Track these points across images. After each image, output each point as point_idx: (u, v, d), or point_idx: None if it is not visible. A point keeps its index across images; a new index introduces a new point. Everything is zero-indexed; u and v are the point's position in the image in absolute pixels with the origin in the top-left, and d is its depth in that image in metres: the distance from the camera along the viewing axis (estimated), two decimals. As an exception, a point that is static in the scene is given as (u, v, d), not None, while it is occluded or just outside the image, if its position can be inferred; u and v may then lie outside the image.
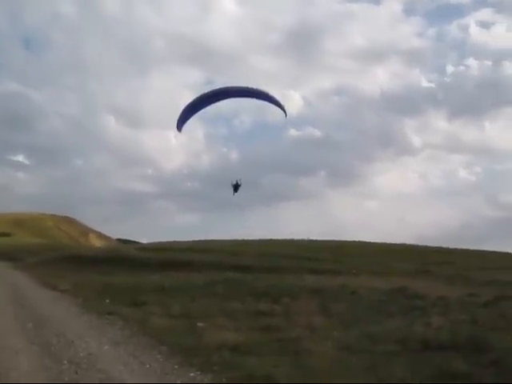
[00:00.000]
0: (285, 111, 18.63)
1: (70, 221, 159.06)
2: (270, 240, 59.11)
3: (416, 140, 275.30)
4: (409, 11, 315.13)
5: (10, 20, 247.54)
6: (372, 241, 61.07)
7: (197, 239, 64.04)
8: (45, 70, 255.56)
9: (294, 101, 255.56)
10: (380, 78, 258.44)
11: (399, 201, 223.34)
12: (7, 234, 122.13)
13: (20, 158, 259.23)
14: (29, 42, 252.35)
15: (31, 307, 16.92)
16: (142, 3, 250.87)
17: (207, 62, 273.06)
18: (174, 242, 62.18)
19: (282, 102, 18.54)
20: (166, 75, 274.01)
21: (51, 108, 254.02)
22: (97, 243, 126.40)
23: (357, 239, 61.70)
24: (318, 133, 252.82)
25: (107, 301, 18.03)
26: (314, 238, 61.31)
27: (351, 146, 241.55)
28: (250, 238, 61.79)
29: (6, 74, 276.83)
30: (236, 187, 20.07)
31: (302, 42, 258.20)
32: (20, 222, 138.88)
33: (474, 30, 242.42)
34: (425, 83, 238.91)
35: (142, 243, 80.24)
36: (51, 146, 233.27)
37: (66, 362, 8.90)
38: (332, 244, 53.72)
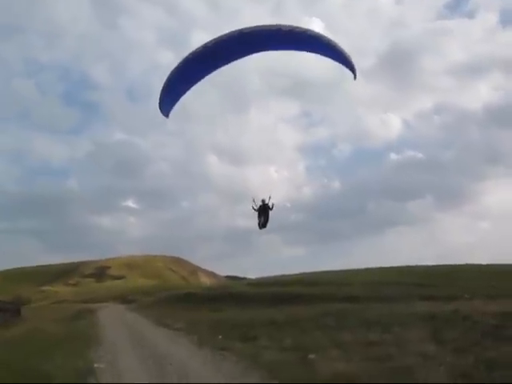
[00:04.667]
0: (354, 70, 13.36)
1: (179, 260, 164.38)
2: (379, 268, 57.98)
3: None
4: (504, 21, 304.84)
5: (114, 75, 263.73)
6: (486, 263, 58.23)
7: (304, 271, 64.09)
8: (148, 118, 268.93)
9: (393, 124, 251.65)
10: (481, 92, 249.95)
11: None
12: (121, 277, 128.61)
13: (130, 202, 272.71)
14: (132, 93, 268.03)
15: (150, 346, 17.86)
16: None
17: (303, 94, 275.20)
18: (282, 275, 62.55)
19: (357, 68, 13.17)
20: (264, 110, 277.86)
21: (157, 153, 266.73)
22: (206, 281, 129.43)
23: (470, 262, 59.11)
24: (419, 155, 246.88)
25: (220, 337, 18.59)
26: (426, 263, 59.54)
27: (457, 166, 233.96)
28: (358, 268, 60.97)
29: (114, 125, 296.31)
30: (264, 211, 16.18)
31: (396, 64, 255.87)
32: (132, 265, 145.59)
33: None
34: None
35: (250, 279, 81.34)
36: (158, 189, 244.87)
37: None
38: (443, 268, 51.74)
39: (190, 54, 12.73)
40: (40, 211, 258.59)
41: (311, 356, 12.88)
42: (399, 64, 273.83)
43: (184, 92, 13.61)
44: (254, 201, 16.17)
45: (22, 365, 12.23)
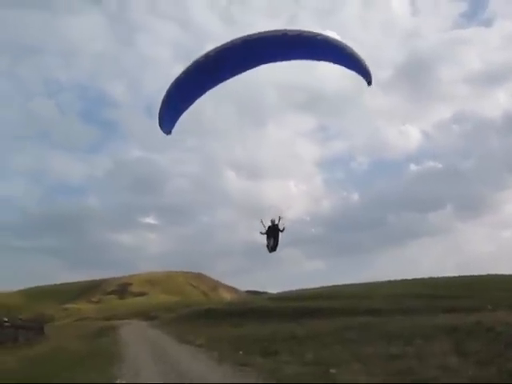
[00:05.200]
0: (369, 75, 12.02)
1: (199, 276, 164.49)
2: (401, 280, 57.47)
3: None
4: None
5: (132, 92, 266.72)
6: (509, 273, 57.32)
7: (325, 285, 63.80)
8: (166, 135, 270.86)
9: (411, 135, 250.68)
10: (500, 100, 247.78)
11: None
12: (143, 294, 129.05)
13: (150, 219, 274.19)
14: (149, 110, 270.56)
15: (172, 362, 17.92)
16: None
17: (319, 107, 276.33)
18: (303, 289, 62.26)
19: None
20: (281, 125, 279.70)
21: (175, 170, 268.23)
22: (227, 297, 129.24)
23: (492, 272, 58.28)
24: (439, 165, 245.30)
25: (240, 352, 18.61)
26: (448, 274, 58.89)
27: (478, 175, 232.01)
28: (380, 280, 60.52)
29: (132, 142, 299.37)
30: (273, 232, 14.73)
31: (413, 75, 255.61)
32: (153, 281, 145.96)
33: None
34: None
35: (270, 293, 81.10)
36: (178, 205, 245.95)
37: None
38: (466, 279, 51.08)
39: (191, 64, 11.77)
40: (61, 230, 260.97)
41: (332, 370, 12.86)
42: (416, 74, 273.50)
43: (186, 107, 12.64)
44: (262, 222, 14.80)
45: (45, 381, 12.39)
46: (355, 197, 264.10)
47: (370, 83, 12.08)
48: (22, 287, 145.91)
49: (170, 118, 12.70)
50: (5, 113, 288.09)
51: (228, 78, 12.18)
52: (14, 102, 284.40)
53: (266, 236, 14.76)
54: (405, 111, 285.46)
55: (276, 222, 14.64)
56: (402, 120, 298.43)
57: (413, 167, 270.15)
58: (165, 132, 12.83)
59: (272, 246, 14.76)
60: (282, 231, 14.67)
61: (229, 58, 11.49)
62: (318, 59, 12.13)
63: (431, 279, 55.72)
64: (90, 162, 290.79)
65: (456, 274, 57.77)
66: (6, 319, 36.10)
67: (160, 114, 12.47)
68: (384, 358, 14.15)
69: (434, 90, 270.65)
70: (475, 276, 53.90)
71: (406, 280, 57.19)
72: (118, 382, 13.51)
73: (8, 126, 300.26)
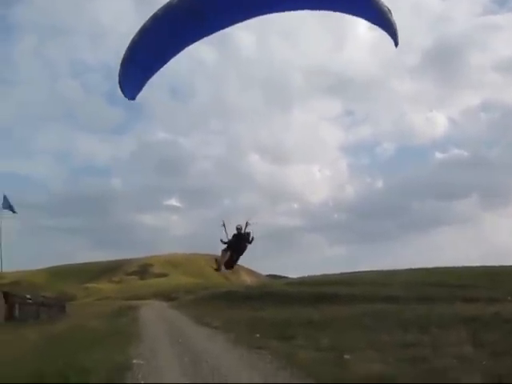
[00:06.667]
0: (396, 36, 8.97)
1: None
2: (421, 269, 57.10)
3: None
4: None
5: (157, 73, 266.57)
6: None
7: (345, 271, 63.82)
8: (191, 117, 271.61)
9: (438, 122, 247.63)
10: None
11: None
12: (164, 275, 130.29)
13: (173, 201, 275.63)
14: (175, 92, 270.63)
15: (187, 343, 18.10)
16: (276, 41, 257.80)
17: (346, 92, 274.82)
18: (323, 275, 62.36)
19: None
20: (306, 109, 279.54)
21: (199, 152, 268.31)
22: (247, 280, 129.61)
23: (515, 263, 57.50)
24: (465, 153, 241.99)
25: (257, 335, 18.70)
26: (470, 264, 58.21)
27: (504, 164, 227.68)
28: (400, 268, 60.23)
29: (157, 124, 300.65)
30: (237, 244, 11.15)
31: (442, 60, 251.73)
32: (175, 263, 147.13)
33: None
34: None
35: (291, 278, 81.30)
36: (201, 188, 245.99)
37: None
38: (487, 270, 50.48)
39: (159, 10, 8.52)
40: (85, 210, 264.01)
41: (347, 356, 12.86)
42: (445, 60, 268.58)
43: (158, 66, 9.57)
44: (224, 225, 11.18)
45: (64, 359, 12.62)
46: (379, 183, 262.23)
47: (397, 44, 9.46)
48: (45, 266, 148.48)
49: (135, 80, 9.62)
50: (31, 93, 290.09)
51: (218, 28, 9.13)
52: (41, 82, 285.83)
53: (225, 246, 11.23)
54: (432, 97, 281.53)
55: (243, 231, 11.12)
56: (429, 106, 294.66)
57: (438, 154, 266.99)
58: (128, 97, 9.85)
59: (227, 262, 11.45)
60: (250, 243, 11.26)
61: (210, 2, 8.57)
62: (341, 9, 9.03)
63: (453, 268, 55.25)
64: (114, 143, 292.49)
65: (478, 264, 57.17)
66: (29, 296, 36.87)
67: (122, 72, 9.26)
68: (399, 346, 14.11)
69: (462, 77, 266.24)
70: (498, 267, 53.27)
71: (428, 268, 56.79)
72: (134, 361, 13.69)
73: (34, 106, 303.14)
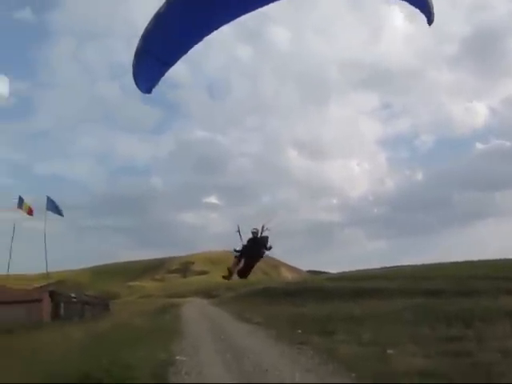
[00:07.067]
0: (431, 13, 7.93)
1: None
2: (465, 262, 56.01)
3: None
4: None
5: (194, 72, 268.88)
6: None
7: (387, 265, 63.20)
8: (228, 114, 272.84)
9: (478, 112, 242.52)
10: None
11: None
12: (204, 272, 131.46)
13: (212, 199, 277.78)
14: (211, 90, 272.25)
15: (229, 340, 18.32)
16: (311, 35, 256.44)
17: (383, 85, 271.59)
18: (363, 270, 61.89)
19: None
20: (343, 103, 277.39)
21: (237, 149, 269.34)
22: (288, 276, 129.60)
23: None
24: (507, 143, 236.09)
25: (299, 331, 18.75)
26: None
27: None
28: (443, 261, 59.22)
29: (195, 122, 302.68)
30: (251, 251, 10.13)
31: (481, 49, 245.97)
32: (214, 261, 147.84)
33: None
34: None
35: (331, 273, 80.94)
36: (240, 185, 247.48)
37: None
38: (534, 262, 49.29)
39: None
40: (126, 209, 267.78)
41: (389, 351, 12.81)
42: (484, 49, 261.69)
43: (174, 58, 8.65)
44: (238, 231, 10.16)
45: (108, 356, 12.88)
46: (419, 176, 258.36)
47: (431, 22, 8.38)
48: (89, 265, 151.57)
49: (150, 72, 8.77)
50: (71, 96, 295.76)
51: (241, 11, 7.96)
52: (80, 85, 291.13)
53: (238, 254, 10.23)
54: (471, 87, 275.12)
55: (259, 235, 10.03)
56: (469, 96, 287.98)
57: (479, 145, 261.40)
58: (143, 91, 9.08)
59: (240, 271, 10.52)
60: (268, 249, 10.29)
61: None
62: None
63: (497, 261, 54.02)
64: (153, 142, 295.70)
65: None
66: (74, 295, 37.70)
67: (136, 64, 8.42)
68: (442, 340, 13.98)
69: (502, 65, 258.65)
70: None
71: (471, 261, 55.69)
72: (177, 358, 13.91)
73: (74, 109, 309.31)
